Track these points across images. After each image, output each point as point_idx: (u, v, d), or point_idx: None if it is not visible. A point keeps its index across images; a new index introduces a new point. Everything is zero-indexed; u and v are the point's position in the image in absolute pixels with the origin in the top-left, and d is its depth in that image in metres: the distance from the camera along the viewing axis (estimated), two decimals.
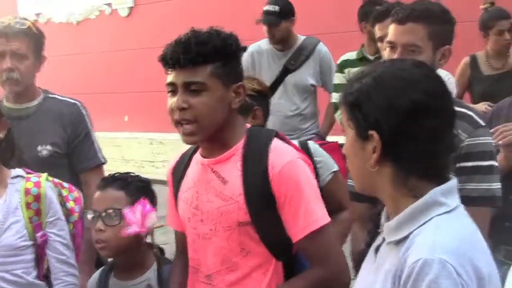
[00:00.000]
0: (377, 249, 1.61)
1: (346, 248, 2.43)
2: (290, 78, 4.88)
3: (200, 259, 2.15)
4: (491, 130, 2.47)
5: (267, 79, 4.82)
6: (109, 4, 9.40)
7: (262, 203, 2.01)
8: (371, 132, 1.48)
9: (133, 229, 2.37)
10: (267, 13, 4.82)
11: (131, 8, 9.21)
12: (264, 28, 4.85)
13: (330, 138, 5.01)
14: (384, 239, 1.57)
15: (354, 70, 4.70)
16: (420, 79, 1.49)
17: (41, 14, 10.08)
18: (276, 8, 4.80)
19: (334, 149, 3.05)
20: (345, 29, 6.02)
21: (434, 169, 1.51)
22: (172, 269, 2.38)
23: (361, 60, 4.75)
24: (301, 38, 4.97)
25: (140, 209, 2.39)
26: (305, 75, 4.89)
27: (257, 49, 4.93)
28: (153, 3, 8.91)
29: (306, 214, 1.99)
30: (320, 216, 2.01)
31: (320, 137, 4.85)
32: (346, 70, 4.82)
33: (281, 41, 4.89)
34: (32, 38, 2.99)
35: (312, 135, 4.82)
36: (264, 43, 4.99)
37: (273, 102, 4.94)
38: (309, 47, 4.92)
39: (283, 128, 4.64)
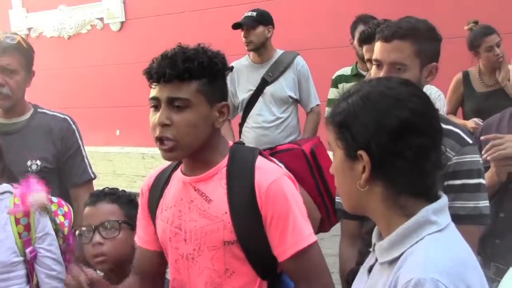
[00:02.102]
0: (370, 269, 1.59)
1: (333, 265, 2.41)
2: (268, 89, 4.90)
3: (183, 280, 2.08)
4: (487, 146, 2.45)
5: (246, 91, 4.86)
6: (101, 19, 9.41)
7: (249, 221, 1.96)
8: (360, 152, 1.47)
9: None
10: (244, 17, 4.93)
11: (122, 23, 9.22)
12: (242, 34, 4.90)
13: None
14: (376, 259, 1.55)
15: (348, 85, 4.71)
16: (407, 97, 1.49)
17: (33, 29, 10.10)
18: (254, 13, 4.93)
19: (298, 157, 2.75)
20: (342, 43, 6.02)
21: (423, 187, 1.50)
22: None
23: (356, 75, 4.77)
24: (279, 52, 5.01)
25: None
26: (283, 86, 4.91)
27: (237, 66, 4.92)
28: (145, 17, 8.92)
29: (293, 233, 1.94)
30: (307, 234, 1.97)
31: None
32: (340, 85, 4.85)
33: (258, 47, 4.91)
34: (22, 53, 2.99)
35: None
36: (243, 59, 5.03)
37: (253, 114, 4.97)
38: (287, 60, 4.95)
39: (262, 140, 4.68)
